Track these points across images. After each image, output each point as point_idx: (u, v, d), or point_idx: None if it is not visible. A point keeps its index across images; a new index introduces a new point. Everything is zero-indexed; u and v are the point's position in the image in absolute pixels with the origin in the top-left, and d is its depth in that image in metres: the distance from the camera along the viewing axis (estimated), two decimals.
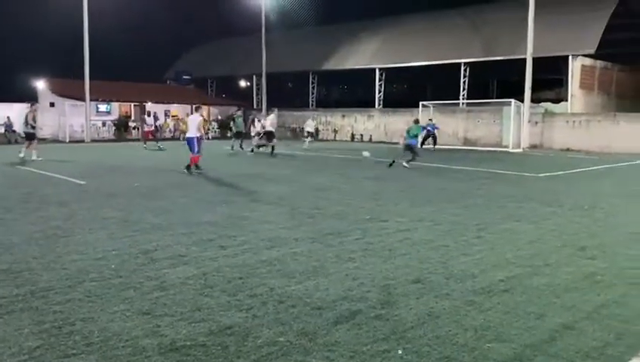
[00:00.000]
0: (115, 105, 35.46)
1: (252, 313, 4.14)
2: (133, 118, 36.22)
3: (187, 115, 26.24)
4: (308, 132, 26.63)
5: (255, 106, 42.06)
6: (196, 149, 14.06)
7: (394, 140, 32.73)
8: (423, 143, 22.76)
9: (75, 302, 4.35)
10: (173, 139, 35.15)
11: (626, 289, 4.82)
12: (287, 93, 47.41)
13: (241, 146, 22.98)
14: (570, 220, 8.17)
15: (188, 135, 14.62)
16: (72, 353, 3.44)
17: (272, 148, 20.57)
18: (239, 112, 25.78)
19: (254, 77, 42.24)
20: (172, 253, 5.90)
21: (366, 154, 18.31)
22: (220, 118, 39.78)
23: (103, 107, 34.66)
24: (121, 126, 34.03)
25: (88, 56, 30.58)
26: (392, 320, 4.04)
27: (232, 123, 24.71)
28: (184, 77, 43.97)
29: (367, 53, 36.74)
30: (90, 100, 31.29)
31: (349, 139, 35.51)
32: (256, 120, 23.08)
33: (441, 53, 32.65)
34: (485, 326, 3.94)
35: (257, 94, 42.08)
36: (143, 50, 52.86)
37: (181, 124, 36.00)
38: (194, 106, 14.22)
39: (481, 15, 32.84)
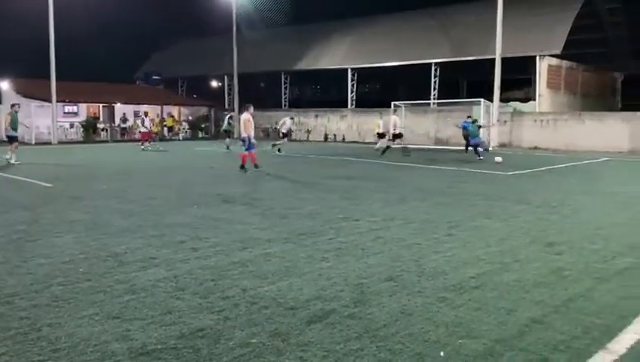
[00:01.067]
0: (83, 106, 34.73)
1: (224, 315, 4.10)
2: (101, 119, 35.55)
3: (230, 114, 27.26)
4: (283, 133, 24.83)
5: (227, 106, 41.77)
6: (252, 147, 14.45)
7: (367, 140, 32.95)
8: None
9: (42, 308, 4.23)
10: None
11: (592, 284, 4.94)
12: (259, 94, 47.19)
13: (228, 147, 23.70)
14: (539, 217, 8.34)
15: (242, 134, 14.80)
16: (38, 359, 3.35)
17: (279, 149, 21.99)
18: (232, 113, 26.34)
19: (226, 77, 41.93)
20: (142, 255, 5.80)
21: (498, 159, 17.75)
22: (190, 118, 39.39)
23: (70, 108, 33.90)
24: (89, 127, 33.35)
25: (54, 56, 29.89)
26: (365, 318, 4.05)
27: (225, 123, 25.75)
28: (153, 77, 43.34)
29: (339, 54, 36.87)
30: (57, 101, 30.57)
31: (322, 139, 35.55)
32: (287, 119, 23.77)
33: (412, 54, 32.98)
34: (457, 322, 3.99)
35: (229, 94, 41.78)
36: (112, 50, 52.07)
37: (151, 124, 35.55)
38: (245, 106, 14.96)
39: (451, 16, 33.29)
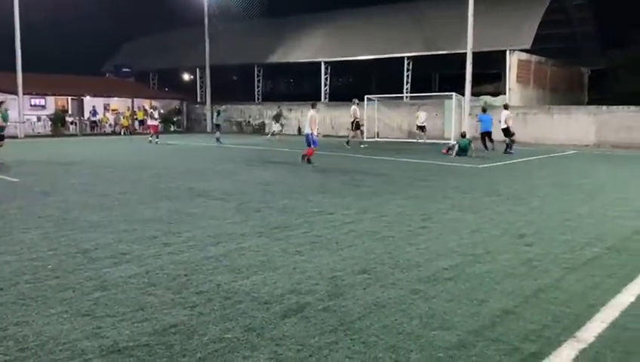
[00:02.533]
0: (51, 99, 33.88)
1: (197, 310, 4.05)
2: (70, 112, 34.74)
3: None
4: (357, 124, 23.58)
5: (199, 100, 41.29)
6: (315, 144, 14.91)
7: (340, 134, 32.97)
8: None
9: (8, 306, 4.12)
10: (113, 133, 34.07)
11: (561, 274, 5.04)
12: (232, 87, 46.75)
13: (218, 139, 24.31)
14: (510, 209, 8.48)
15: (306, 131, 15.20)
16: (4, 360, 3.26)
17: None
18: (223, 107, 26.63)
19: (198, 70, 41.40)
20: (113, 251, 5.69)
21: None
22: (162, 111, 38.80)
23: (37, 101, 33.01)
24: (58, 121, 32.57)
25: (20, 48, 29.02)
26: (340, 311, 4.05)
27: (215, 116, 26.50)
28: (124, 70, 42.49)
29: (312, 47, 36.75)
30: (24, 94, 29.74)
31: (295, 132, 35.42)
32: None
33: (385, 48, 33.09)
34: (430, 314, 4.03)
35: (201, 87, 41.30)
36: (80, 41, 50.83)
37: (122, 118, 34.95)
38: (311, 103, 15.60)
39: (423, 11, 33.49)
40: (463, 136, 19.27)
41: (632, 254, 5.80)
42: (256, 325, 3.78)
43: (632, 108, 24.55)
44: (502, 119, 20.57)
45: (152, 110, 27.22)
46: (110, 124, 35.47)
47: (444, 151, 19.05)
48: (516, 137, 21.24)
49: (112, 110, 36.20)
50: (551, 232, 6.79)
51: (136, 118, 36.15)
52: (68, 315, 3.94)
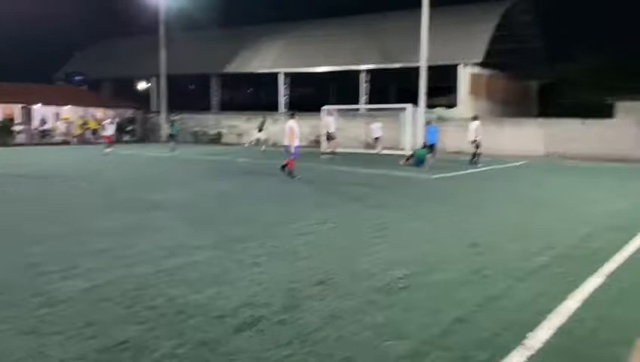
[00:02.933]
0: None
1: (149, 325, 3.95)
2: (17, 120, 33.41)
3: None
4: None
5: (154, 109, 40.56)
6: (294, 155, 14.40)
7: (300, 144, 33.00)
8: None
9: None
10: (64, 143, 33.02)
11: (511, 282, 5.18)
12: (188, 96, 46.15)
13: (172, 149, 23.60)
14: (463, 218, 8.67)
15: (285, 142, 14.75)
16: None
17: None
18: (177, 116, 25.73)
19: (153, 79, 40.70)
20: (61, 265, 5.49)
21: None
22: (117, 120, 37.87)
23: None
24: (4, 130, 31.28)
25: None
26: (296, 323, 4.03)
27: (170, 126, 25.44)
28: (76, 78, 41.31)
29: (270, 57, 36.76)
30: None
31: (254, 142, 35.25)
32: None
33: (343, 60, 33.44)
34: (385, 324, 4.06)
35: (157, 96, 40.58)
36: (30, 48, 49.16)
37: (73, 127, 33.92)
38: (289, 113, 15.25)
39: (380, 24, 34.10)
40: (424, 147, 19.61)
41: (578, 261, 6.02)
42: (209, 340, 3.71)
43: (578, 120, 25.64)
44: (471, 130, 20.85)
45: (107, 120, 26.24)
46: (61, 133, 34.34)
47: (401, 162, 19.34)
48: (445, 147, 21.80)
49: (64, 119, 35.06)
50: (502, 241, 6.97)
51: (88, 128, 35.15)
52: (12, 333, 3.77)
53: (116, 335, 3.75)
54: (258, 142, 28.03)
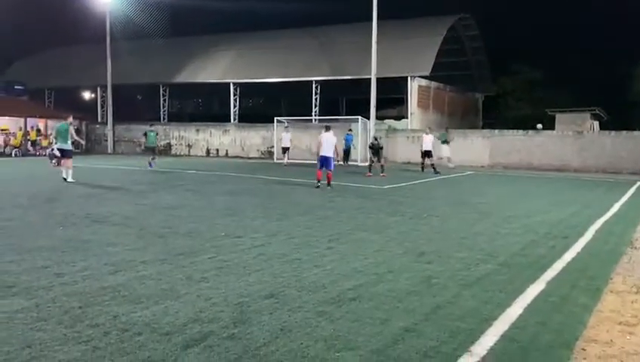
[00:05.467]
0: None
1: (92, 344, 3.80)
2: None
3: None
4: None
5: (100, 120, 39.43)
6: (331, 166, 15.02)
7: (251, 155, 32.84)
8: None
9: None
10: (3, 155, 31.55)
11: (458, 290, 5.31)
12: (136, 107, 45.11)
13: (150, 163, 21.20)
14: (411, 228, 8.84)
15: (323, 153, 15.03)
16: None
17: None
18: (152, 127, 23.55)
19: (99, 88, 39.59)
20: None
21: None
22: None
23: None
24: None
25: None
26: (245, 338, 3.98)
27: (144, 137, 22.74)
28: (16, 87, 39.58)
29: (220, 67, 36.48)
30: None
31: (204, 154, 34.83)
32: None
33: (294, 71, 33.61)
34: (335, 335, 4.07)
35: (102, 107, 39.49)
36: None
37: (12, 138, 32.50)
38: (325, 125, 15.87)
39: (330, 36, 34.54)
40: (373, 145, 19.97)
41: (521, 269, 6.24)
42: (157, 357, 3.61)
43: (520, 132, 26.72)
44: (426, 142, 21.68)
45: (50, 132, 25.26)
46: (0, 145, 32.80)
47: (367, 174, 19.33)
48: (395, 158, 22.28)
49: (2, 130, 33.51)
50: (448, 250, 7.14)
51: (29, 139, 33.75)
52: None
53: (57, 357, 3.59)
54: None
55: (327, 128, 15.82)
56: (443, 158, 24.01)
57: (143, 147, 22.99)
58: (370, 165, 20.04)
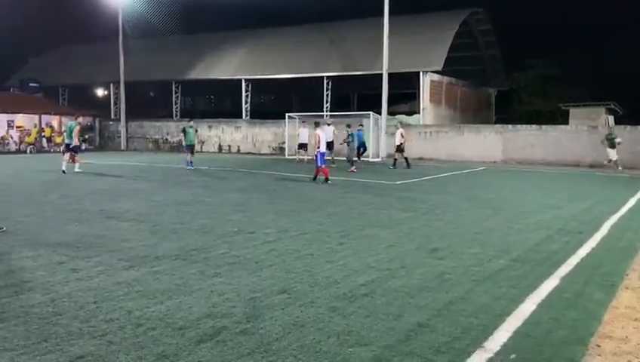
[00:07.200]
0: None
1: (107, 339, 3.85)
2: None
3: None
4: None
5: (113, 116, 39.73)
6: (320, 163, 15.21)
7: (262, 151, 32.92)
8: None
9: None
10: (19, 152, 31.96)
11: (470, 286, 5.29)
12: (148, 103, 45.40)
13: (189, 162, 19.92)
14: (424, 224, 8.81)
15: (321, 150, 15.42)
16: None
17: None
18: (191, 122, 21.99)
19: (112, 85, 39.88)
20: (14, 279, 5.30)
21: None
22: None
23: None
24: None
25: None
26: (258, 333, 4.00)
27: (182, 134, 21.13)
28: (31, 84, 40.01)
29: (232, 64, 36.55)
30: None
31: (216, 150, 34.96)
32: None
33: (305, 67, 33.55)
34: (347, 331, 4.07)
35: (115, 104, 39.78)
36: None
37: (26, 136, 32.87)
38: (315, 121, 17.01)
39: (341, 32, 34.42)
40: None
41: (534, 265, 6.19)
42: (170, 352, 3.65)
43: (534, 127, 26.46)
44: (397, 136, 21.75)
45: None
46: (15, 142, 33.20)
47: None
48: (408, 154, 22.13)
49: (18, 127, 33.91)
50: (461, 246, 7.11)
51: (44, 136, 34.11)
52: None
53: (73, 351, 3.64)
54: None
55: (317, 124, 16.46)
56: (611, 161, 21.54)
57: (184, 144, 20.99)
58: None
